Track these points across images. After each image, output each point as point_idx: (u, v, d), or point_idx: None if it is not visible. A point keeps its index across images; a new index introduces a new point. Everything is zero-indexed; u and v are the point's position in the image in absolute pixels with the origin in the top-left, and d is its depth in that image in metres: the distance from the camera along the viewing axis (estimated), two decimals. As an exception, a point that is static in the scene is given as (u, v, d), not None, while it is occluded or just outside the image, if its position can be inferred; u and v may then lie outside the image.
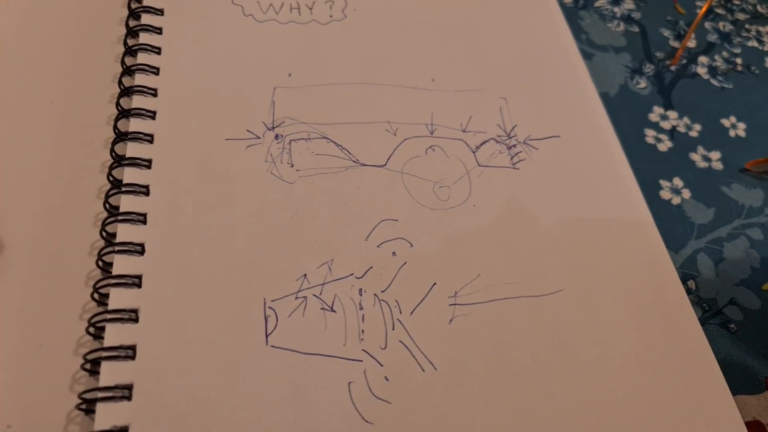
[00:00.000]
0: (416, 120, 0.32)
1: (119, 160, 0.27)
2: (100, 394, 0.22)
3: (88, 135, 0.29)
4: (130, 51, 0.31)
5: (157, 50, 0.31)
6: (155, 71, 0.31)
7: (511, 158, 0.31)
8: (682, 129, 0.36)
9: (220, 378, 0.24)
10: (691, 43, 0.40)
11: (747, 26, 0.42)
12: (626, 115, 0.36)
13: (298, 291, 0.26)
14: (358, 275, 0.27)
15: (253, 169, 0.29)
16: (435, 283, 0.27)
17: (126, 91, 0.29)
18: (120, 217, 0.26)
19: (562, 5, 0.40)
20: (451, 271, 0.27)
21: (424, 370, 0.25)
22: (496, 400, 0.25)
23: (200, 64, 0.32)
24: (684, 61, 0.39)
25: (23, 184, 0.28)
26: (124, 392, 0.22)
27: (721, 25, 0.42)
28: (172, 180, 0.28)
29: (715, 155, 0.35)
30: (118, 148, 0.28)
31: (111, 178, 0.27)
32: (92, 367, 0.23)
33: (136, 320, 0.24)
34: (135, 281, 0.25)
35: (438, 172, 0.30)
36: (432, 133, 0.32)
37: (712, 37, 0.41)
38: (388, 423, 0.24)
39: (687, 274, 0.31)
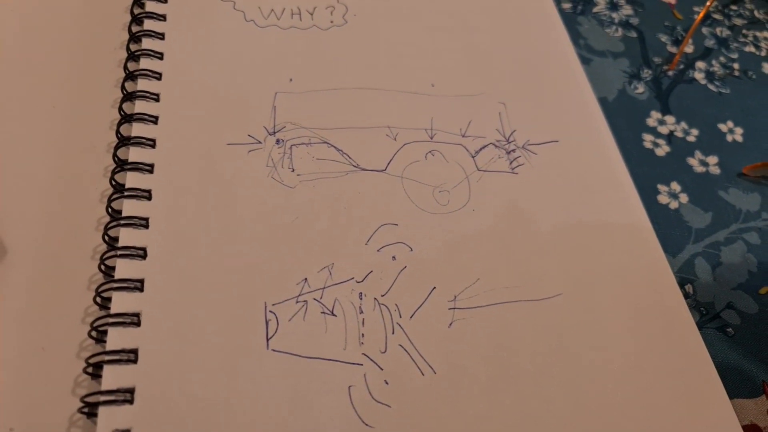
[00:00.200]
0: (416, 125, 0.32)
1: (122, 165, 0.28)
2: (103, 398, 0.22)
3: (91, 139, 0.30)
4: (133, 56, 0.31)
5: (160, 55, 0.32)
6: (157, 76, 0.31)
7: (510, 163, 0.32)
8: (679, 134, 0.36)
9: (221, 382, 0.24)
10: (689, 49, 0.40)
11: (744, 32, 0.42)
12: (624, 119, 0.36)
13: (299, 295, 0.26)
14: (358, 279, 0.27)
15: (255, 173, 0.29)
16: (435, 287, 0.27)
17: (128, 96, 0.30)
18: (122, 221, 0.26)
19: (561, 11, 0.40)
20: (450, 275, 0.28)
21: (423, 374, 0.25)
22: (496, 404, 0.25)
23: (202, 70, 0.32)
24: (681, 67, 0.39)
25: (26, 187, 0.28)
26: (126, 396, 0.23)
27: (718, 30, 0.42)
28: (174, 184, 0.28)
29: (712, 160, 0.35)
30: (120, 153, 0.28)
31: (113, 183, 0.27)
32: (94, 370, 0.23)
33: (138, 324, 0.24)
34: (137, 285, 0.25)
35: (437, 176, 0.30)
36: (432, 138, 0.32)
37: (710, 43, 0.41)
38: (388, 426, 0.24)
39: (684, 278, 0.31)
